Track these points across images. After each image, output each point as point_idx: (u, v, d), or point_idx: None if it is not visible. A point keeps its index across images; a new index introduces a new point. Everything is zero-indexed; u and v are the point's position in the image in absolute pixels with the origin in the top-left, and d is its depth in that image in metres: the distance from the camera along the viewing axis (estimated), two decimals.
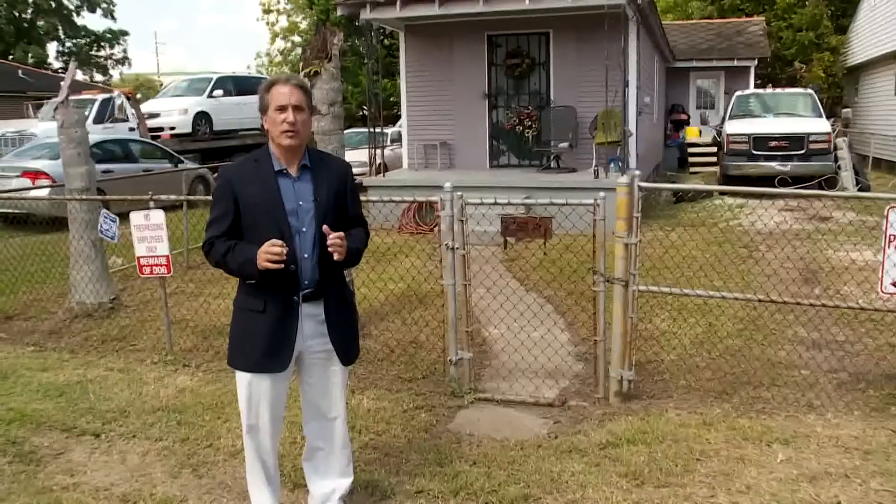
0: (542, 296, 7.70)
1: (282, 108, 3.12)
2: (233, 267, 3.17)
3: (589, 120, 13.17)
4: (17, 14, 50.98)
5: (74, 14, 53.60)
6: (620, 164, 12.23)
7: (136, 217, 5.86)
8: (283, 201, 3.15)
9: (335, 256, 3.11)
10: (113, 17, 55.95)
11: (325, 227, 3.09)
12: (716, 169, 18.56)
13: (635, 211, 4.71)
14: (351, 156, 17.98)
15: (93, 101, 17.75)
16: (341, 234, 3.13)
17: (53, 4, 52.11)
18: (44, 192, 11.19)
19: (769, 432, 4.30)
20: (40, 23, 52.11)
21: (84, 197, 6.92)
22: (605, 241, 4.84)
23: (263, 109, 3.20)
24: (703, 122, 19.73)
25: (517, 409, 5.03)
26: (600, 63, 12.13)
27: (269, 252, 3.00)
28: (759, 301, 4.73)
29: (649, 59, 16.94)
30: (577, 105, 13.34)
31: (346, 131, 21.79)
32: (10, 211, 11.33)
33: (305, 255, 3.19)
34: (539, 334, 5.91)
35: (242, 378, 3.29)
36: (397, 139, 18.52)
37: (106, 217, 6.45)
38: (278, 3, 43.91)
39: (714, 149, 19.96)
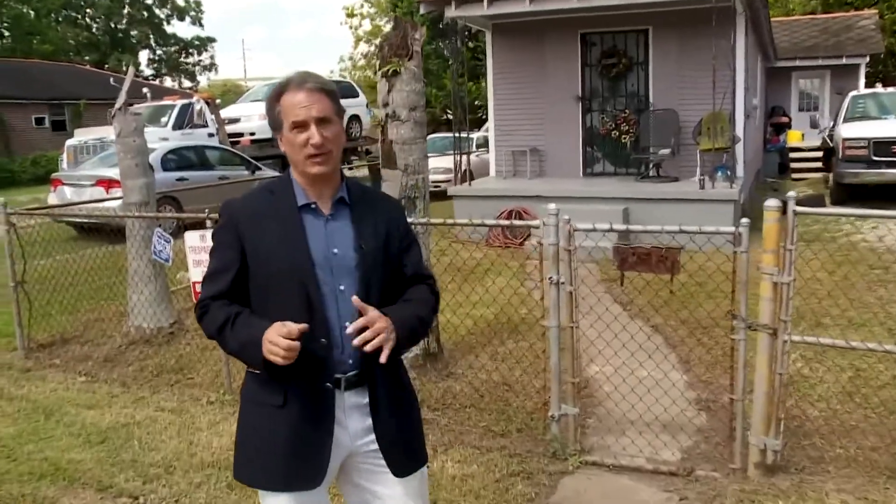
0: (650, 324, 6.78)
1: (301, 126, 2.19)
2: (232, 348, 2.23)
3: (692, 124, 12.09)
4: (113, 25, 52.52)
5: (165, 23, 54.93)
6: (728, 172, 11.14)
7: (190, 238, 5.20)
8: (311, 248, 2.22)
9: (381, 357, 2.14)
10: (201, 25, 57.34)
11: (355, 298, 2.15)
12: (821, 175, 17.16)
13: (789, 242, 3.77)
14: (435, 162, 17.41)
15: (172, 107, 17.57)
16: (373, 316, 2.14)
17: (146, 14, 53.60)
18: (118, 203, 10.78)
19: None
20: (133, 32, 53.62)
21: (136, 214, 6.33)
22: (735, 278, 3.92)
23: (276, 126, 2.26)
24: (813, 125, 18.28)
25: (632, 478, 4.16)
26: (705, 62, 11.09)
27: (274, 343, 2.06)
28: None
29: (753, 58, 15.71)
30: (679, 108, 12.27)
31: (430, 136, 21.32)
32: (83, 220, 10.98)
33: (347, 323, 2.20)
34: (655, 374, 5.02)
35: (265, 499, 2.33)
36: (483, 144, 17.68)
37: (160, 237, 5.83)
38: (361, 6, 43.82)
39: (819, 154, 18.49)
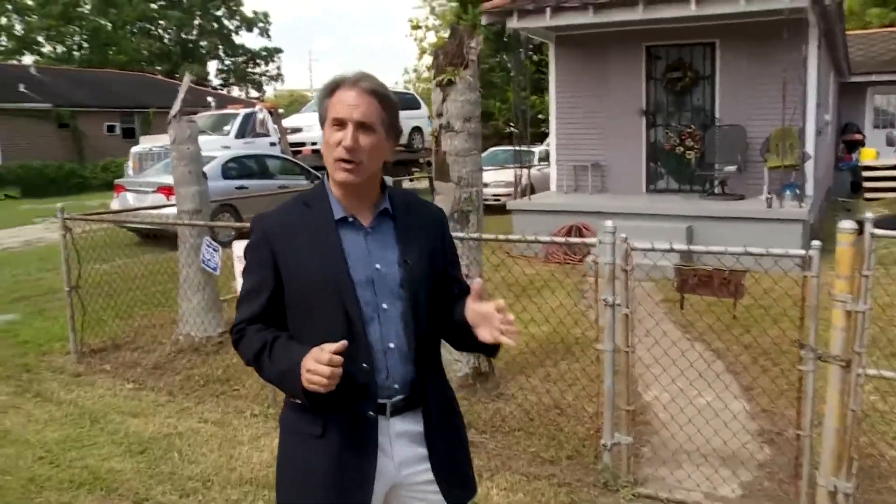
0: (711, 349, 6.48)
1: (339, 124, 2.02)
2: (270, 377, 2.08)
3: (760, 140, 11.67)
4: (184, 36, 53.91)
5: (234, 34, 56.12)
6: (798, 190, 10.70)
7: (238, 247, 5.12)
8: (350, 265, 2.05)
9: (509, 341, 1.94)
10: (268, 36, 58.48)
11: (478, 281, 2.02)
12: None
13: (865, 267, 3.49)
14: (496, 175, 17.23)
15: (235, 116, 17.74)
16: (501, 303, 1.96)
17: (216, 25, 54.81)
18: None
19: None
20: (203, 43, 54.88)
21: (186, 222, 6.29)
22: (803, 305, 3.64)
23: (322, 123, 2.11)
24: (890, 143, 17.53)
25: None
26: (774, 76, 10.71)
27: (313, 371, 1.88)
28: None
29: (825, 72, 15.16)
30: (747, 124, 11.85)
31: (492, 149, 21.26)
32: (139, 226, 11.11)
33: (391, 345, 2.06)
34: (716, 403, 4.74)
35: None
36: (546, 158, 17.44)
37: (209, 246, 5.77)
38: (427, 19, 44.05)
39: (895, 173, 17.74)
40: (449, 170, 5.53)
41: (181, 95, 6.63)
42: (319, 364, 1.87)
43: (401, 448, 2.11)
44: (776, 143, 11.26)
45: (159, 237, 11.19)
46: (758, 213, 10.25)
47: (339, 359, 1.88)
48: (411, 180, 20.54)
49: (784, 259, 3.79)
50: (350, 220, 2.09)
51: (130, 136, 32.52)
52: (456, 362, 5.42)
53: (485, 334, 1.98)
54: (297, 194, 2.23)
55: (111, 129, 33.51)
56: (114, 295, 7.96)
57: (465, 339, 2.08)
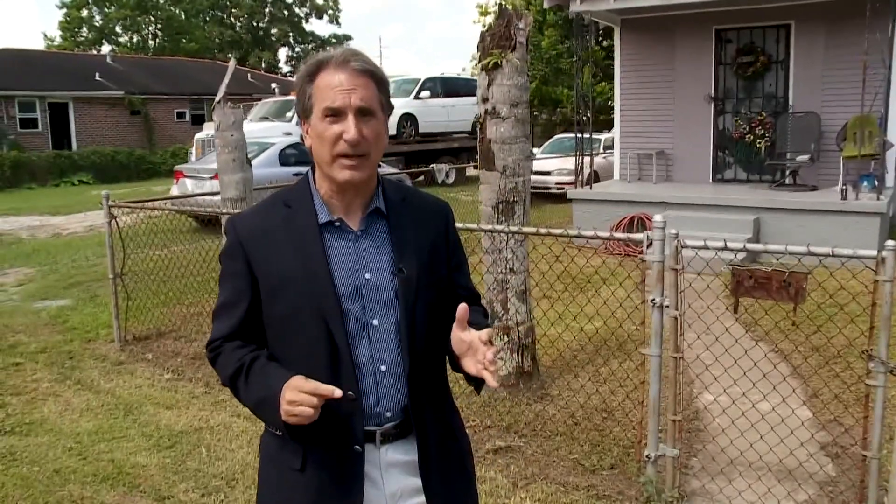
0: (775, 348, 6.08)
1: (334, 114, 1.73)
2: (247, 404, 1.84)
3: (835, 128, 11.02)
4: (255, 23, 54.63)
5: (304, 21, 56.63)
6: (876, 182, 10.07)
7: None
8: (335, 277, 1.79)
9: (490, 381, 1.67)
10: (338, 23, 58.75)
11: (462, 307, 1.71)
12: None
13: None
14: (560, 163, 16.85)
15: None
16: (486, 334, 1.70)
17: (286, 13, 55.36)
18: None
19: None
20: (273, 30, 55.51)
21: (224, 211, 6.17)
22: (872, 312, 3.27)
23: (304, 112, 1.80)
24: None
25: None
26: (854, 60, 10.08)
27: (296, 402, 1.65)
28: None
29: None
30: (822, 111, 11.24)
31: (557, 136, 20.81)
32: (197, 211, 11.09)
33: (382, 367, 1.80)
34: (780, 411, 4.38)
35: None
36: (612, 146, 17.02)
37: None
38: (496, 5, 43.57)
39: None
40: (494, 158, 5.26)
41: (226, 81, 6.50)
42: (302, 394, 1.63)
43: (393, 479, 1.86)
44: (853, 132, 10.61)
45: (216, 223, 11.17)
46: (831, 205, 9.69)
47: (325, 392, 1.64)
48: (476, 167, 20.30)
49: (854, 258, 3.41)
50: (336, 223, 1.83)
51: (200, 122, 32.99)
52: (498, 360, 5.16)
53: (469, 366, 1.73)
54: (276, 192, 1.96)
55: (181, 115, 34.10)
56: (167, 281, 7.92)
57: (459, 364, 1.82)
